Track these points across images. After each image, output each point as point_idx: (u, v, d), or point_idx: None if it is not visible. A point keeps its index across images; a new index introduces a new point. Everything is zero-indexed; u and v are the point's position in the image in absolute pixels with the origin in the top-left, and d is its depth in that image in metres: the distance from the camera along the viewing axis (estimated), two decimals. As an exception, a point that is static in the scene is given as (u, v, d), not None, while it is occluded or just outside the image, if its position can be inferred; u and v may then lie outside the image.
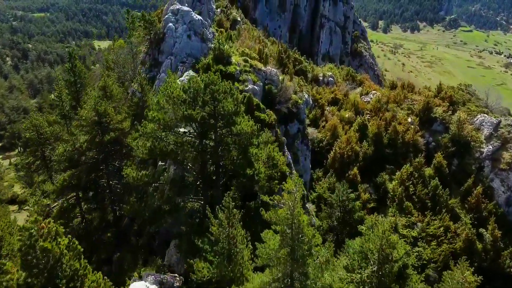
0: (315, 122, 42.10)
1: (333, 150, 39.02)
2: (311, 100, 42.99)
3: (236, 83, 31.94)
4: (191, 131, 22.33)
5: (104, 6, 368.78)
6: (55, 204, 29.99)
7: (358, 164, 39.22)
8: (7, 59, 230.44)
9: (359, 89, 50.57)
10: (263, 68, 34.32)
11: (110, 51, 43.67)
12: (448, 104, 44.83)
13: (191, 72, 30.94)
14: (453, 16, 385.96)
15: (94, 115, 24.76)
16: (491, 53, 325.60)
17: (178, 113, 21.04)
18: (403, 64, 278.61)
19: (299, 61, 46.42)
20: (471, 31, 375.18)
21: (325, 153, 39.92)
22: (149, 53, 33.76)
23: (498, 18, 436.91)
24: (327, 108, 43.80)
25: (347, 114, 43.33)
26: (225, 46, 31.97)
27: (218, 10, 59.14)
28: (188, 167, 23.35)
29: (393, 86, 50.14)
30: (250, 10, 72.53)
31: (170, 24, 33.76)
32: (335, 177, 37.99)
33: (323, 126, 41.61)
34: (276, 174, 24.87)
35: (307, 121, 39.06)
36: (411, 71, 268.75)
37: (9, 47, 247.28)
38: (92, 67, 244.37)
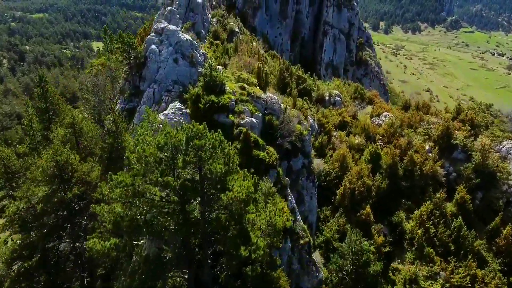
0: (321, 150, 37.03)
1: (342, 185, 33.96)
2: (316, 125, 37.94)
3: (230, 116, 26.92)
4: (170, 194, 17.34)
5: (103, 7, 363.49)
6: (15, 263, 24.99)
7: (371, 200, 34.19)
8: (4, 61, 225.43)
9: (369, 109, 45.55)
10: (262, 95, 29.24)
11: (86, 75, 38.31)
12: (469, 127, 39.80)
13: (177, 104, 25.87)
14: (454, 17, 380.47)
15: (54, 165, 19.78)
16: (494, 54, 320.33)
17: (151, 178, 16.07)
18: (405, 66, 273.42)
19: (302, 80, 41.34)
20: (473, 32, 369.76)
21: (333, 188, 34.85)
22: (129, 79, 28.50)
23: (499, 19, 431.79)
24: (335, 134, 38.76)
25: (357, 140, 38.30)
26: (218, 72, 26.88)
27: (214, 20, 54.11)
28: (167, 239, 18.33)
29: (406, 106, 45.06)
30: (249, 18, 67.45)
31: (153, 46, 28.47)
32: (345, 217, 32.96)
33: (331, 156, 36.55)
34: (278, 242, 19.88)
35: (313, 151, 34.00)
36: (413, 73, 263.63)
37: (6, 49, 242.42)
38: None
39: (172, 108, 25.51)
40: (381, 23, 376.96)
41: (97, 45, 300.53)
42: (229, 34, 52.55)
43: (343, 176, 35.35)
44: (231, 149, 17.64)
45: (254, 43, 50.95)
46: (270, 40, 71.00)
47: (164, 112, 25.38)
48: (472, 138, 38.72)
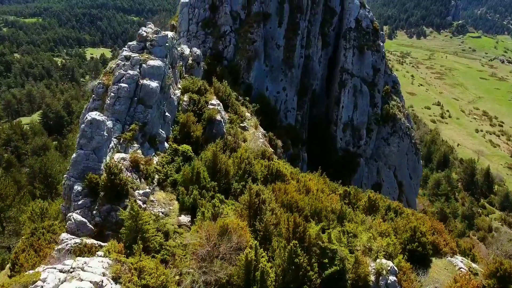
0: None
1: None
2: None
3: None
4: None
5: (99, 11, 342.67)
6: None
7: None
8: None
9: (439, 265, 25.99)
10: None
11: None
12: None
13: None
14: (460, 21, 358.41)
15: None
16: (503, 62, 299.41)
17: None
18: (412, 76, 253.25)
19: (330, 254, 21.75)
20: (479, 37, 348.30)
21: None
22: None
23: (505, 22, 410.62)
24: None
25: None
26: None
27: (186, 98, 34.10)
28: None
29: (503, 277, 25.23)
30: (241, 72, 47.60)
31: None
32: None
33: None
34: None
35: None
36: (421, 84, 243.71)
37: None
38: (82, 80, 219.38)
39: None
40: (385, 28, 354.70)
41: (91, 52, 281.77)
42: (207, 126, 32.68)
43: None
44: None
45: (244, 153, 31.00)
46: (271, 99, 51.08)
47: None
48: None
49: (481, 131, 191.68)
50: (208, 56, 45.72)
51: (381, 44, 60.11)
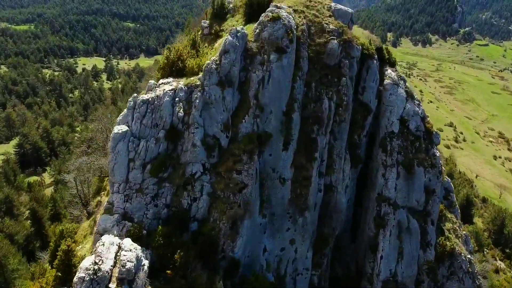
0: None
1: None
2: None
3: None
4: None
5: (94, 18, 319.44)
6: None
7: None
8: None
9: None
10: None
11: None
12: None
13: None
14: (467, 28, 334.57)
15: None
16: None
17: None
18: (421, 91, 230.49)
19: None
20: (487, 44, 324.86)
21: None
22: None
23: (510, 28, 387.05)
24: None
25: None
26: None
27: None
28: None
29: None
30: (221, 241, 26.53)
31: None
32: None
33: None
34: None
35: None
36: (431, 101, 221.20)
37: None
38: (70, 95, 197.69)
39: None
40: (389, 35, 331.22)
41: (84, 62, 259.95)
42: None
43: None
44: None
45: None
46: (271, 263, 30.32)
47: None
48: None
49: (500, 157, 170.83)
50: (161, 228, 24.66)
51: (437, 153, 38.28)
